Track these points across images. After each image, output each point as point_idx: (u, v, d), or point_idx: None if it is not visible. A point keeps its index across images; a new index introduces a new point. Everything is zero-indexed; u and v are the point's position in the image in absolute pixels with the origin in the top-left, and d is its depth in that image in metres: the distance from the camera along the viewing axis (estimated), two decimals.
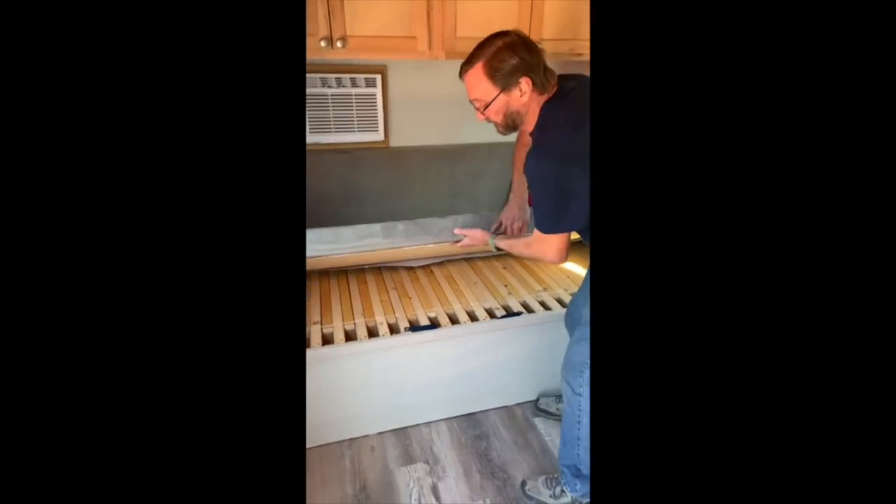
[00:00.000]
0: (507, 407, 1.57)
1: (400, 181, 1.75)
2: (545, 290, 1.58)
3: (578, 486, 1.13)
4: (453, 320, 1.43)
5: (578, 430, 1.07)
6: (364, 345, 1.30)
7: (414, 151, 1.76)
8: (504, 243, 1.23)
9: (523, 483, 1.26)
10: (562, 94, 0.96)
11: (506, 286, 1.61)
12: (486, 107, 0.95)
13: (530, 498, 1.23)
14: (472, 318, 1.44)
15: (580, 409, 1.05)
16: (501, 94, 0.93)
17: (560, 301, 1.53)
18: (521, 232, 1.39)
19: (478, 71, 0.92)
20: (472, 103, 0.98)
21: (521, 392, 1.58)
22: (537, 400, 1.55)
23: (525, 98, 0.94)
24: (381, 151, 1.73)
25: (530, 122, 0.99)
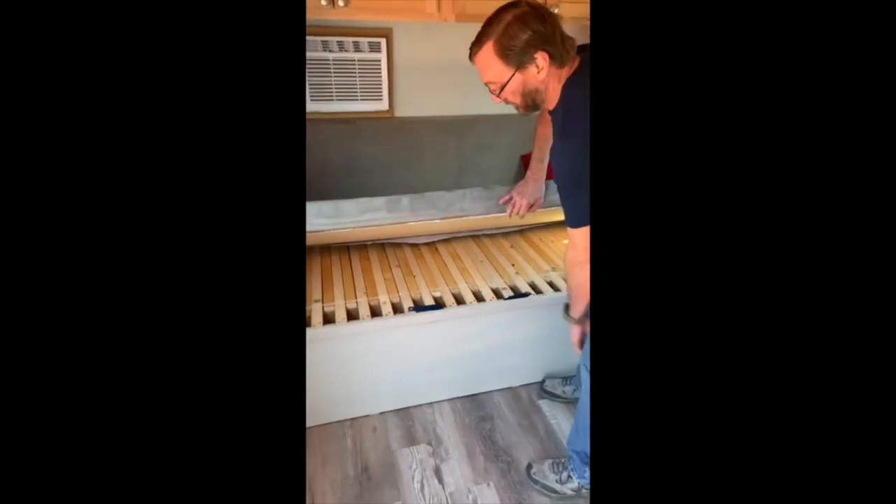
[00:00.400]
0: (511, 388, 1.54)
1: (404, 153, 1.67)
2: (554, 270, 1.53)
3: (587, 473, 1.11)
4: (459, 300, 1.38)
5: None
6: (366, 324, 1.26)
7: (420, 122, 1.68)
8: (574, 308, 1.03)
9: (529, 466, 1.24)
10: (584, 69, 0.88)
11: (513, 265, 1.55)
12: (502, 89, 0.87)
13: (535, 482, 1.21)
14: (479, 298, 1.39)
15: None
16: (517, 74, 0.85)
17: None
18: (532, 210, 1.32)
19: (488, 51, 0.84)
20: (486, 86, 0.90)
21: (526, 374, 1.55)
22: (543, 381, 1.52)
23: (543, 74, 0.85)
24: (385, 122, 1.64)
25: (552, 100, 0.90)
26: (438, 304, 1.32)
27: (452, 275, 1.49)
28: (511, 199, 1.33)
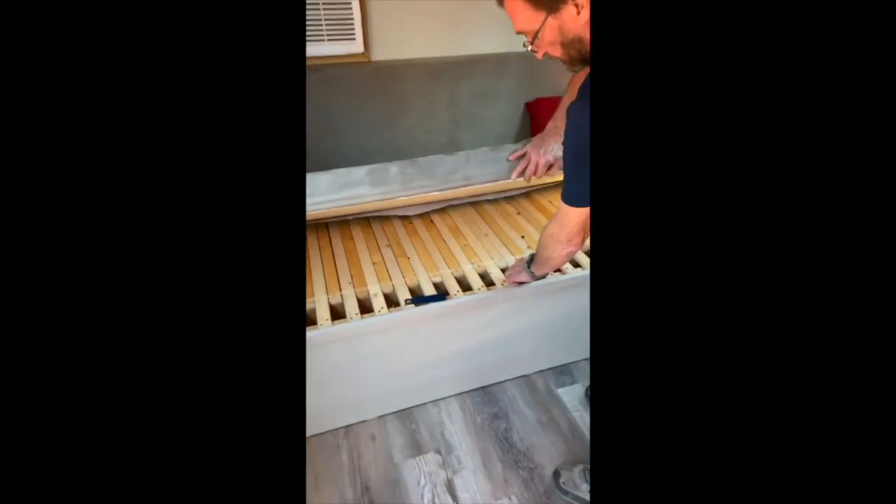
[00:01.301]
0: (526, 377, 1.36)
1: (386, 107, 1.37)
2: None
3: None
4: (463, 285, 1.15)
5: None
6: (355, 325, 1.03)
7: (403, 67, 1.37)
8: (536, 258, 0.97)
9: (556, 474, 1.07)
10: None
11: (523, 237, 1.32)
12: (535, 38, 0.70)
13: (565, 493, 1.05)
14: (486, 281, 1.16)
15: None
16: (549, 20, 0.67)
17: (587, 254, 1.26)
18: (550, 172, 1.07)
19: None
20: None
21: (542, 359, 1.36)
22: (589, 389, 1.32)
23: (585, 15, 0.66)
24: (360, 68, 1.34)
25: None
26: (440, 294, 1.10)
27: (454, 253, 1.25)
28: (525, 154, 1.07)
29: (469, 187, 1.21)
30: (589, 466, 1.05)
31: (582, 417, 1.24)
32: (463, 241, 1.30)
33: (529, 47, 0.72)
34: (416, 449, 1.17)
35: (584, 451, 1.16)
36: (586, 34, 0.68)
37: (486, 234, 1.33)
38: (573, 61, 0.74)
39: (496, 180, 1.08)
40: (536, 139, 1.06)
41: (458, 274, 1.19)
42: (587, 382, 1.31)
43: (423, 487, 1.09)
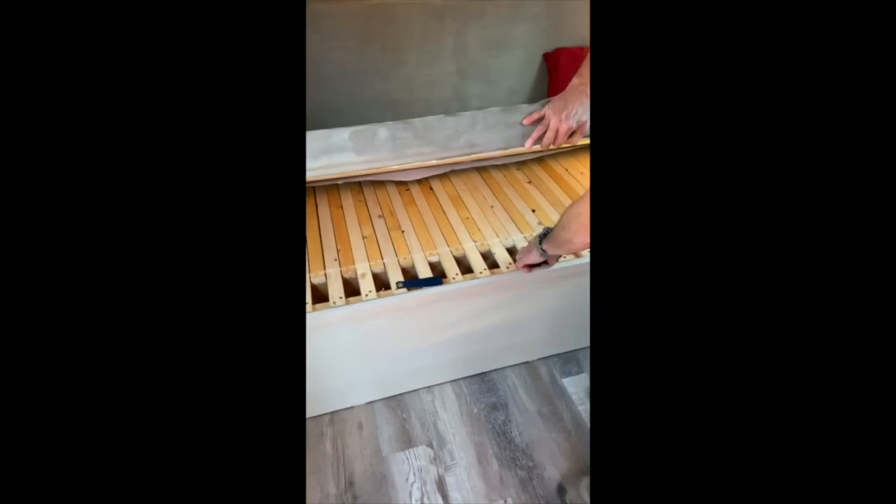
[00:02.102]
0: (528, 363, 1.25)
1: (379, 54, 1.18)
2: None
3: None
4: (463, 266, 1.02)
5: None
6: (340, 312, 0.91)
7: (402, 6, 1.16)
8: (551, 238, 0.79)
9: (561, 490, 0.97)
10: None
11: (534, 211, 1.17)
12: None
13: None
14: (490, 262, 1.02)
15: None
16: None
17: None
18: (571, 139, 0.89)
19: None
20: None
21: (547, 346, 1.24)
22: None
23: None
24: (351, 7, 1.14)
25: None
26: (436, 277, 0.96)
27: (454, 228, 1.11)
28: (543, 118, 0.88)
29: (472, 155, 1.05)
30: None
31: (588, 411, 1.14)
32: (465, 214, 1.15)
33: None
34: (406, 441, 1.08)
35: (589, 450, 1.06)
36: None
37: (493, 206, 1.18)
38: None
39: (506, 148, 0.90)
40: (557, 100, 0.86)
41: (457, 253, 1.05)
42: None
43: (412, 484, 1.01)
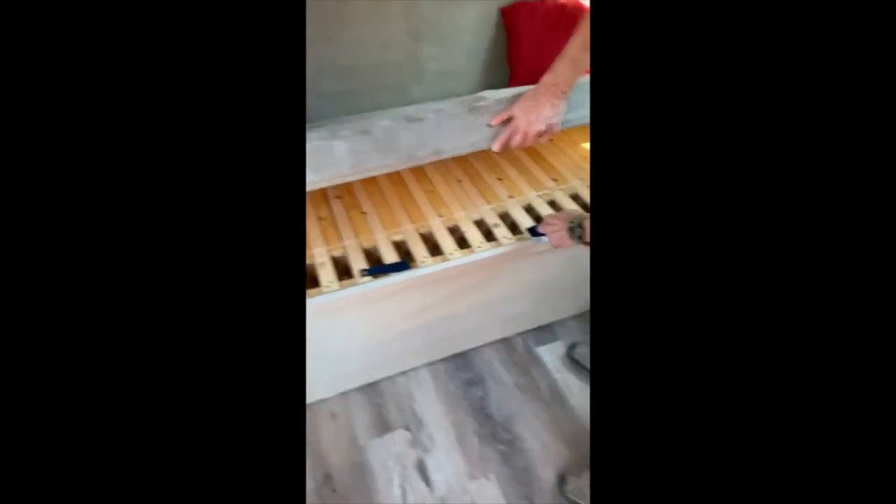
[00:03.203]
0: (504, 339, 1.23)
1: (324, 14, 1.06)
2: (556, 181, 1.11)
3: None
4: (431, 247, 0.96)
5: None
6: None
7: None
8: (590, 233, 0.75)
9: (562, 480, 0.95)
10: None
11: (501, 180, 1.12)
12: None
13: (572, 503, 0.93)
14: (458, 239, 0.97)
15: None
16: None
17: (578, 198, 1.08)
18: (541, 140, 0.82)
19: None
20: None
21: (523, 321, 1.22)
22: (571, 348, 1.19)
23: None
24: None
25: None
26: (403, 263, 0.91)
27: (420, 205, 1.04)
28: (510, 119, 0.81)
29: None
30: None
31: (564, 380, 1.14)
32: (430, 188, 1.09)
33: None
34: (383, 427, 1.05)
35: (566, 418, 1.07)
36: None
37: (460, 180, 1.11)
38: None
39: (475, 148, 0.83)
40: (527, 98, 0.78)
41: (423, 230, 0.99)
42: (569, 340, 1.20)
43: (392, 472, 0.98)
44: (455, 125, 0.79)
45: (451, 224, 1.00)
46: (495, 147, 0.82)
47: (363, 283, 0.87)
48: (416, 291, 0.93)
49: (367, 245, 0.95)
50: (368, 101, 1.21)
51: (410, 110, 0.79)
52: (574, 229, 0.79)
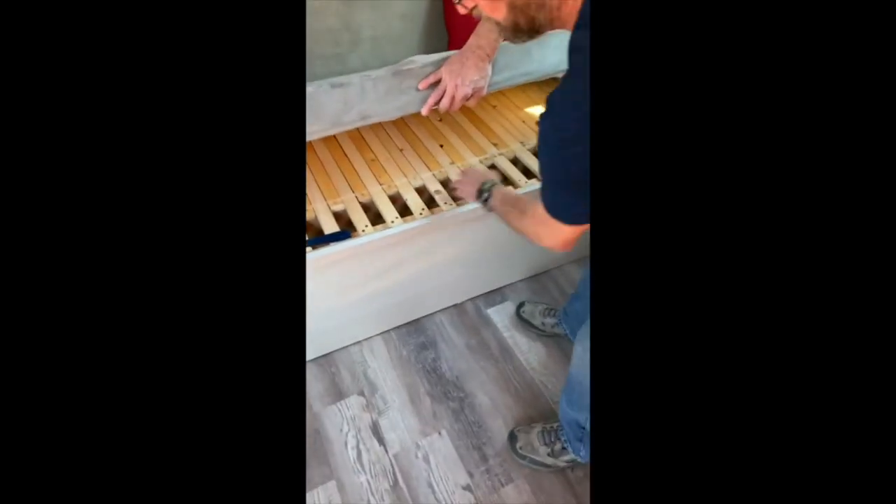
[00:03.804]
0: (456, 305, 1.26)
1: None
2: (497, 146, 1.12)
3: (584, 451, 0.89)
4: (372, 215, 0.97)
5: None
6: None
7: None
8: (498, 201, 0.78)
9: (513, 437, 0.99)
10: None
11: (442, 146, 1.13)
12: None
13: (523, 457, 0.96)
14: (399, 207, 0.98)
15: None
16: None
17: (518, 162, 1.10)
18: (469, 102, 0.83)
19: None
20: None
21: (473, 286, 1.25)
22: (520, 307, 1.22)
23: None
24: None
25: (569, 15, 0.52)
26: (344, 232, 0.91)
27: (358, 171, 1.04)
28: (439, 82, 0.82)
29: None
30: (547, 427, 0.97)
31: (513, 337, 1.19)
32: (369, 155, 1.09)
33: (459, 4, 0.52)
34: (337, 394, 1.08)
35: (515, 373, 1.12)
36: None
37: (403, 149, 1.11)
38: (519, 31, 0.53)
39: (403, 114, 0.84)
40: (453, 61, 0.79)
41: (363, 199, 0.99)
42: (518, 300, 1.24)
43: (347, 434, 1.02)
44: (380, 88, 0.79)
45: (392, 192, 1.01)
46: (423, 111, 0.83)
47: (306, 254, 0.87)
48: (357, 261, 0.94)
49: (307, 217, 0.95)
50: (306, 72, 1.18)
51: (338, 79, 0.79)
52: (482, 192, 0.80)
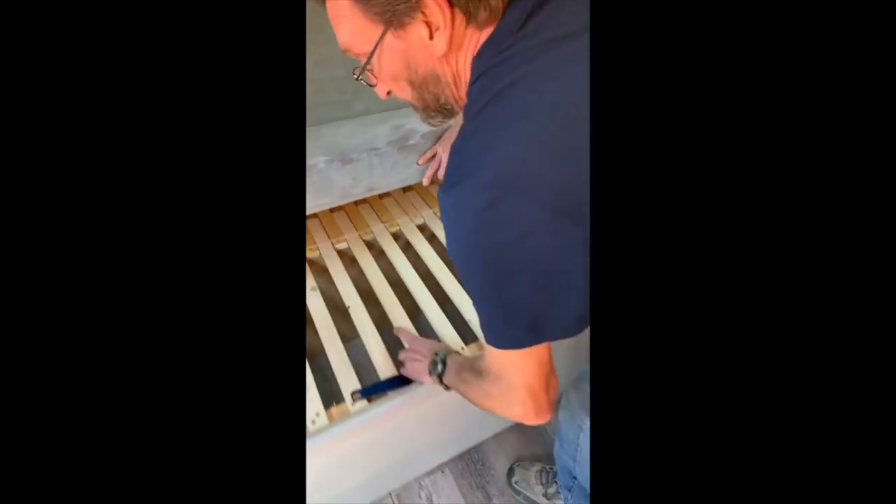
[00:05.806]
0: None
1: None
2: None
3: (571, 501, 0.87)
4: (376, 253, 1.00)
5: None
6: None
7: None
8: (453, 373, 0.63)
9: (510, 472, 1.01)
10: (519, 23, 0.41)
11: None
12: (368, 61, 0.44)
13: (517, 492, 0.99)
14: (403, 245, 1.01)
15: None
16: (389, 36, 0.42)
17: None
18: None
19: None
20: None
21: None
22: (510, 474, 1.03)
23: (441, 45, 0.42)
24: None
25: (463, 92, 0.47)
26: (399, 377, 0.75)
27: (360, 210, 1.08)
28: (435, 156, 0.91)
29: None
30: (547, 467, 0.99)
31: None
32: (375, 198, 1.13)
33: (363, 77, 0.47)
34: None
35: None
36: (446, 73, 0.45)
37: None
38: (429, 110, 0.49)
39: (405, 185, 0.93)
40: (448, 136, 0.89)
41: (367, 237, 1.02)
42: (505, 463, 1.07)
43: None
44: (387, 164, 0.87)
45: (394, 230, 1.04)
46: (425, 181, 0.92)
47: (357, 410, 0.70)
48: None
49: (310, 255, 0.98)
50: (312, 117, 1.25)
51: (343, 142, 0.86)
52: (436, 364, 0.66)
